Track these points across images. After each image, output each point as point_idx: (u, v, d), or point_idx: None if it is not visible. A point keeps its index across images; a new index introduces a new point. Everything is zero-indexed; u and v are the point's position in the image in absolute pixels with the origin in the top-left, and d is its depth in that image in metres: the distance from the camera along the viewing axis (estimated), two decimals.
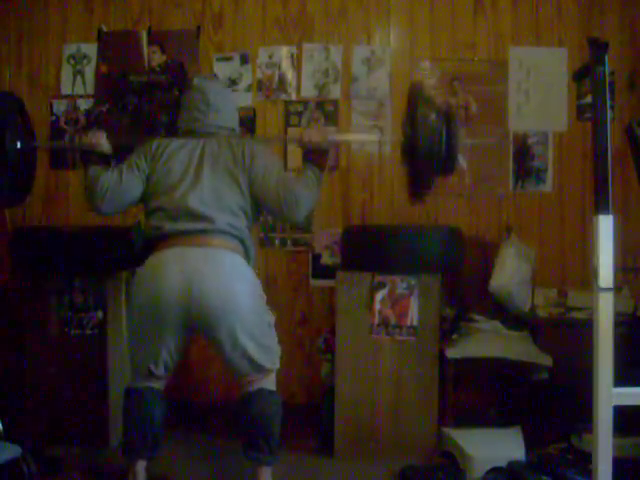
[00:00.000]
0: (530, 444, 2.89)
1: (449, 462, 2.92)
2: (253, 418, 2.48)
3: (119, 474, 2.67)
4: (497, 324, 3.29)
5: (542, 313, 3.35)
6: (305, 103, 3.71)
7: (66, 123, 3.79)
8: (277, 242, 3.71)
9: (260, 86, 3.73)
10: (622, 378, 1.93)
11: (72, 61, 3.80)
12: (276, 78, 3.72)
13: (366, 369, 3.05)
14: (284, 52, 3.71)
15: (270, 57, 3.72)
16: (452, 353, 3.06)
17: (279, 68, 3.72)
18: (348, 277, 3.10)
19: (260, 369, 2.49)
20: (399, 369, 3.03)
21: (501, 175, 3.65)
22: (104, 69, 3.78)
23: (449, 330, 3.24)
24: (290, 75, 3.72)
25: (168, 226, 2.47)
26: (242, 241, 2.53)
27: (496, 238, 3.55)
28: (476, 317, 3.35)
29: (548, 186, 3.63)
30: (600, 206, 1.93)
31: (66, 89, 3.81)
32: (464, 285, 3.52)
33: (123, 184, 2.55)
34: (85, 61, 3.80)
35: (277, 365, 2.56)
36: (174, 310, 2.37)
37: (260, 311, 2.52)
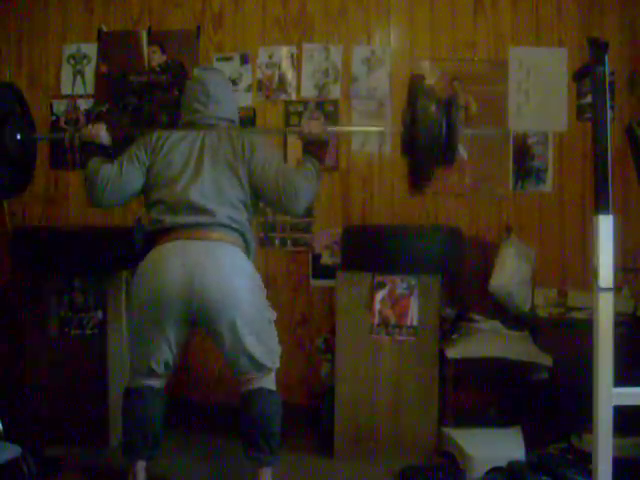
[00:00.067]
0: (530, 444, 2.90)
1: (449, 462, 2.92)
2: (253, 418, 2.48)
3: (119, 474, 2.67)
4: (497, 324, 3.29)
5: (542, 313, 3.35)
6: (305, 103, 3.71)
7: (66, 123, 3.79)
8: (277, 242, 3.71)
9: (260, 86, 3.73)
10: (622, 378, 1.93)
11: (72, 61, 3.81)
12: (276, 78, 3.72)
13: (366, 369, 3.05)
14: (284, 52, 3.71)
15: (270, 57, 3.72)
16: (452, 353, 3.06)
17: (279, 68, 3.72)
18: (348, 277, 3.10)
19: (260, 367, 2.49)
20: (399, 369, 3.03)
21: (501, 175, 3.65)
22: (104, 69, 3.78)
23: (449, 330, 3.24)
24: (290, 75, 3.72)
25: (169, 219, 2.47)
26: (242, 234, 2.53)
27: (496, 238, 3.55)
28: (476, 317, 3.35)
29: (548, 186, 3.63)
30: (600, 206, 1.93)
31: (66, 89, 3.81)
32: (464, 285, 3.52)
33: (123, 176, 2.55)
34: (85, 61, 3.80)
35: (277, 364, 2.56)
36: (176, 303, 2.37)
37: (260, 307, 2.52)
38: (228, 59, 3.73)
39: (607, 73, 1.95)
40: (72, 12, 3.81)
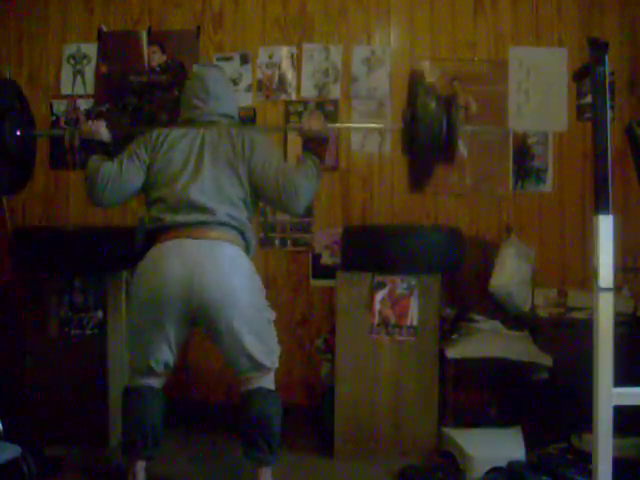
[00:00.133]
0: (530, 444, 2.90)
1: (449, 462, 2.92)
2: (253, 418, 2.47)
3: (119, 474, 2.67)
4: (497, 324, 3.29)
5: (542, 313, 3.35)
6: (305, 103, 3.71)
7: (66, 123, 3.79)
8: (277, 242, 3.71)
9: (260, 86, 3.73)
10: (622, 378, 1.93)
11: (72, 61, 3.81)
12: (276, 78, 3.72)
13: (366, 369, 3.05)
14: (284, 52, 3.72)
15: (270, 57, 3.72)
16: (452, 353, 3.06)
17: (279, 68, 3.72)
18: (348, 277, 3.09)
19: (259, 366, 2.49)
20: (399, 369, 3.03)
21: (501, 175, 3.65)
22: (104, 69, 3.78)
23: (449, 330, 3.24)
24: (290, 75, 3.72)
25: (169, 218, 2.47)
26: (242, 233, 2.53)
27: (496, 238, 3.56)
28: (476, 317, 3.35)
29: (548, 186, 3.63)
30: (600, 206, 1.93)
31: (66, 89, 3.81)
32: (464, 285, 3.52)
33: (124, 175, 2.54)
34: (85, 61, 3.80)
35: (276, 364, 2.56)
36: (175, 302, 2.37)
37: (259, 306, 2.52)
38: (228, 59, 3.73)
39: (607, 73, 1.95)
40: (72, 12, 3.81)
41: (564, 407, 3.07)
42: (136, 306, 2.50)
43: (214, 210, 2.45)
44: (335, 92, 3.70)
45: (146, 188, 2.58)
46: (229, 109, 2.67)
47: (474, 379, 3.43)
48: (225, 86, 2.71)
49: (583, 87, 3.49)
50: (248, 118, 3.66)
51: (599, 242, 1.92)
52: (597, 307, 1.91)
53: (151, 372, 2.49)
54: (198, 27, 3.73)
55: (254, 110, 3.71)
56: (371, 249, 3.07)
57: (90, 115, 3.76)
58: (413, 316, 3.02)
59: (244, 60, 3.73)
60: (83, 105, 3.79)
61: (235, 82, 3.69)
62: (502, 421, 3.17)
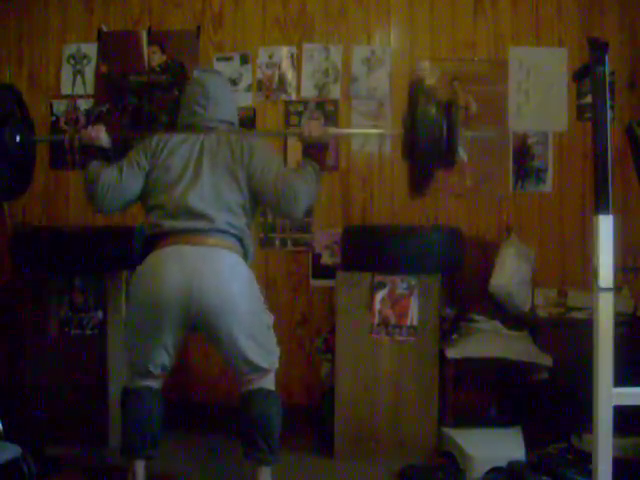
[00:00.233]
0: (530, 444, 2.90)
1: (449, 462, 2.92)
2: (253, 418, 2.48)
3: (119, 474, 2.67)
4: (497, 324, 3.29)
5: (542, 313, 3.35)
6: (305, 103, 3.71)
7: (66, 123, 3.79)
8: (277, 242, 3.71)
9: (260, 86, 3.73)
10: (622, 378, 1.93)
11: (72, 61, 3.80)
12: (276, 78, 3.72)
13: (366, 369, 3.05)
14: (284, 52, 3.71)
15: (270, 57, 3.72)
16: (452, 353, 3.06)
17: (279, 68, 3.72)
18: (348, 277, 3.10)
19: (258, 369, 2.49)
20: (399, 369, 3.03)
21: (501, 175, 3.65)
22: (104, 69, 3.78)
23: (449, 330, 3.24)
24: (290, 75, 3.72)
25: (167, 224, 2.46)
26: (241, 240, 2.53)
27: (496, 238, 3.55)
28: (476, 317, 3.35)
29: (548, 186, 3.63)
30: (600, 206, 1.93)
31: (66, 89, 3.81)
32: (464, 285, 3.52)
33: (123, 182, 2.54)
34: (85, 61, 3.80)
35: (276, 365, 2.56)
36: (173, 309, 2.37)
37: (258, 312, 2.52)
38: (228, 59, 3.73)
39: (607, 73, 1.95)
40: (72, 12, 3.81)
41: (564, 407, 3.07)
42: (134, 311, 2.51)
43: (213, 217, 2.45)
44: (335, 92, 3.70)
45: (145, 194, 2.57)
46: (229, 115, 2.67)
47: (474, 379, 3.43)
48: (225, 92, 2.69)
49: (583, 87, 3.49)
50: (248, 118, 3.66)
51: (599, 242, 1.92)
52: (597, 307, 1.91)
53: (149, 374, 2.49)
54: (198, 27, 3.73)
55: (254, 110, 3.71)
56: (371, 249, 3.07)
57: (90, 115, 3.76)
58: (413, 316, 3.02)
59: (244, 60, 3.73)
60: (83, 105, 3.79)
61: (235, 82, 3.70)
62: (502, 421, 3.17)
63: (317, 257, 3.68)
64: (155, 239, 2.49)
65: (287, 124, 3.71)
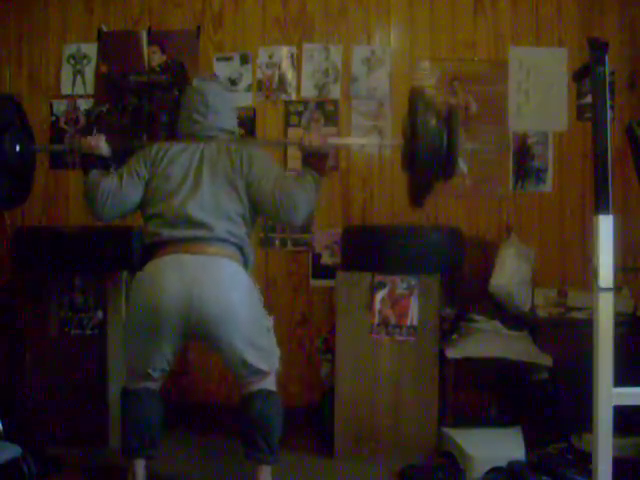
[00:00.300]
0: (530, 444, 2.90)
1: (449, 462, 2.92)
2: (254, 418, 2.48)
3: (119, 474, 2.67)
4: (497, 324, 3.29)
5: (542, 313, 3.35)
6: (305, 103, 3.71)
7: (66, 123, 3.79)
8: (277, 242, 3.71)
9: (260, 86, 3.73)
10: (622, 378, 1.94)
11: (72, 61, 3.80)
12: (276, 78, 3.72)
13: (366, 369, 3.05)
14: (284, 52, 3.71)
15: (270, 57, 3.72)
16: (452, 353, 3.06)
17: (279, 68, 3.72)
18: (348, 277, 3.10)
19: (258, 372, 2.49)
20: (399, 369, 3.03)
21: (501, 175, 3.65)
22: (104, 69, 3.78)
23: (449, 330, 3.24)
24: (290, 75, 3.72)
25: (166, 233, 2.46)
26: (241, 248, 2.52)
27: (496, 238, 3.56)
28: (476, 317, 3.35)
29: (548, 186, 3.63)
30: (600, 206, 1.93)
31: (66, 89, 3.80)
32: (464, 285, 3.52)
33: (123, 190, 2.54)
34: (85, 61, 3.80)
35: (276, 366, 2.56)
36: (173, 318, 2.36)
37: (258, 317, 2.52)
38: (228, 59, 3.73)
39: (607, 73, 1.95)
40: (72, 12, 3.81)
41: (564, 407, 3.07)
42: (133, 319, 2.50)
43: (212, 226, 2.44)
44: (335, 92, 3.70)
45: (144, 203, 2.56)
46: (228, 124, 2.65)
47: (474, 379, 3.43)
48: (225, 100, 2.68)
49: (583, 87, 3.49)
50: (248, 118, 3.66)
51: (599, 242, 1.92)
52: (597, 307, 1.92)
53: (148, 377, 2.50)
54: (198, 27, 3.73)
55: (254, 110, 3.71)
56: (371, 249, 3.07)
57: (90, 115, 3.76)
58: (413, 316, 3.02)
59: (244, 60, 3.72)
60: (83, 105, 3.79)
61: (235, 82, 3.70)
62: (502, 421, 3.17)
63: (317, 257, 3.68)
64: (154, 248, 2.48)
65: (287, 124, 3.71)
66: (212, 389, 3.68)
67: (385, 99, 3.68)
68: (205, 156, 2.53)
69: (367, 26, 3.70)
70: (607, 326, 1.91)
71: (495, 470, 2.76)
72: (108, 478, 2.84)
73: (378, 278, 3.04)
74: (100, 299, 3.16)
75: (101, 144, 2.60)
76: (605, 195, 1.93)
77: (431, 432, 3.02)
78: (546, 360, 3.06)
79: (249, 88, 3.73)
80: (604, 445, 1.90)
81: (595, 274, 1.92)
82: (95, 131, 3.70)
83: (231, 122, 2.68)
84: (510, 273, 3.26)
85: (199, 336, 2.47)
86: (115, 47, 3.78)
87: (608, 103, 1.95)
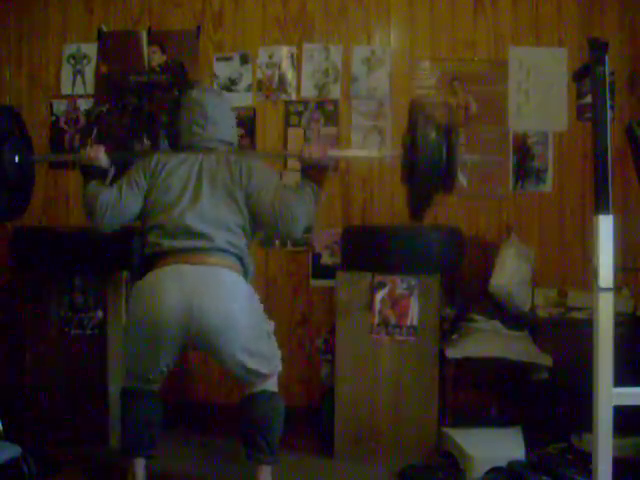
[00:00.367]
0: (530, 444, 2.90)
1: (449, 462, 2.92)
2: (255, 419, 2.48)
3: (119, 474, 2.68)
4: (497, 324, 3.29)
5: (542, 313, 3.35)
6: (305, 103, 3.71)
7: (66, 123, 3.79)
8: (277, 242, 3.70)
9: (260, 86, 3.73)
10: (622, 378, 1.94)
11: (72, 61, 3.80)
12: (276, 78, 3.72)
13: (366, 369, 3.05)
14: (284, 52, 3.71)
15: (270, 57, 3.72)
16: (452, 353, 3.06)
17: (279, 68, 3.72)
18: (348, 277, 3.10)
19: (259, 375, 2.50)
20: (399, 369, 3.03)
21: (501, 175, 3.65)
22: (104, 69, 3.78)
23: (449, 330, 3.24)
24: (290, 75, 3.72)
25: (166, 243, 2.45)
26: (240, 259, 2.52)
27: (496, 238, 3.55)
28: (476, 317, 3.35)
29: (548, 186, 3.63)
30: (600, 206, 1.93)
31: (66, 89, 3.80)
32: (464, 285, 3.52)
33: (122, 201, 2.53)
34: (85, 61, 3.80)
35: (278, 368, 2.58)
36: (173, 329, 2.36)
37: (258, 322, 2.52)
38: (228, 59, 3.73)
39: (607, 73, 1.95)
40: (72, 12, 3.81)
41: (564, 407, 3.07)
42: (133, 328, 2.49)
43: (212, 236, 2.44)
44: (335, 92, 3.70)
45: (144, 214, 2.56)
46: (227, 135, 2.65)
47: (474, 379, 3.43)
48: (224, 111, 2.66)
49: (583, 87, 3.49)
50: (248, 118, 3.66)
51: (599, 242, 1.92)
52: (597, 307, 1.92)
53: (147, 380, 2.51)
54: (198, 27, 3.73)
55: (254, 110, 3.71)
56: (371, 249, 3.07)
57: (90, 115, 3.76)
58: (413, 316, 3.02)
59: (244, 60, 3.72)
60: (83, 105, 3.79)
61: (235, 82, 3.70)
62: (502, 421, 3.17)
63: (317, 257, 3.68)
64: (154, 258, 2.48)
65: (287, 124, 3.71)
66: (212, 389, 3.68)
67: (385, 99, 3.68)
68: (204, 168, 2.52)
69: (367, 26, 3.70)
70: (607, 326, 1.91)
71: (495, 470, 2.76)
72: (108, 478, 2.85)
73: (378, 278, 3.04)
74: (100, 299, 3.16)
75: (100, 155, 2.60)
76: (605, 195, 1.93)
77: (431, 432, 3.02)
78: (546, 360, 3.06)
79: (249, 88, 3.73)
80: (604, 445, 1.90)
81: (595, 274, 1.92)
82: (95, 131, 3.72)
83: (230, 133, 2.68)
84: (510, 273, 3.26)
85: (199, 346, 2.48)
86: (115, 47, 3.79)
87: (608, 103, 1.95)
